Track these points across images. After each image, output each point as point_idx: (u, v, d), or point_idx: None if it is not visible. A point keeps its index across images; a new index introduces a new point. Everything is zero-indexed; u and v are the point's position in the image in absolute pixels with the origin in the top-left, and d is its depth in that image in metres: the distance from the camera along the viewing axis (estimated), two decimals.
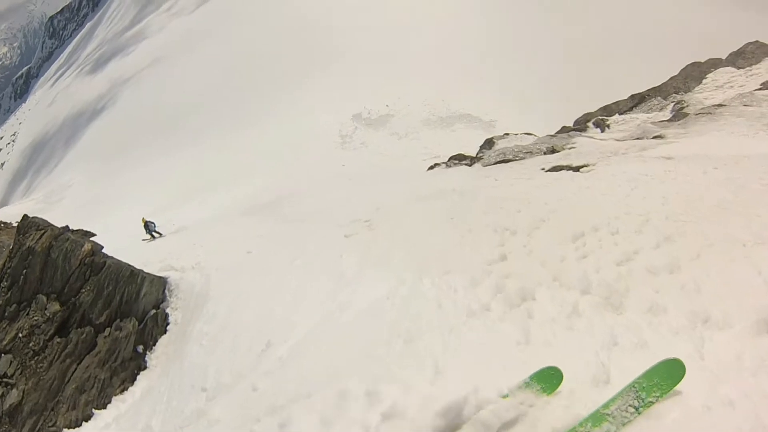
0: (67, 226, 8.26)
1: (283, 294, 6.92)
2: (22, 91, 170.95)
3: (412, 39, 49.07)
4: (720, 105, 13.41)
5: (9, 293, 6.99)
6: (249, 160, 31.66)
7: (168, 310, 7.97)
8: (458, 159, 16.29)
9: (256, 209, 16.03)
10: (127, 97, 64.33)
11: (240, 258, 9.19)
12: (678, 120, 14.22)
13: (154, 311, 7.77)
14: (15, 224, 39.17)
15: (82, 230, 25.85)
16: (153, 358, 7.32)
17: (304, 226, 10.76)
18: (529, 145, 12.55)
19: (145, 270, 8.68)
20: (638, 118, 15.61)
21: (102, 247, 7.83)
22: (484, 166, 12.29)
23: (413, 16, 53.22)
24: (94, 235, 24.22)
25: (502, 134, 16.83)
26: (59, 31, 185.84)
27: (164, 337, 7.58)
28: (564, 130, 17.08)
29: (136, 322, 7.33)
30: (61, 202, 46.83)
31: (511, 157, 11.74)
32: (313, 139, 33.83)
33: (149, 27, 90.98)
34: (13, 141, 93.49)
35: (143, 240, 17.04)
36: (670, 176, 8.21)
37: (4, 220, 40.66)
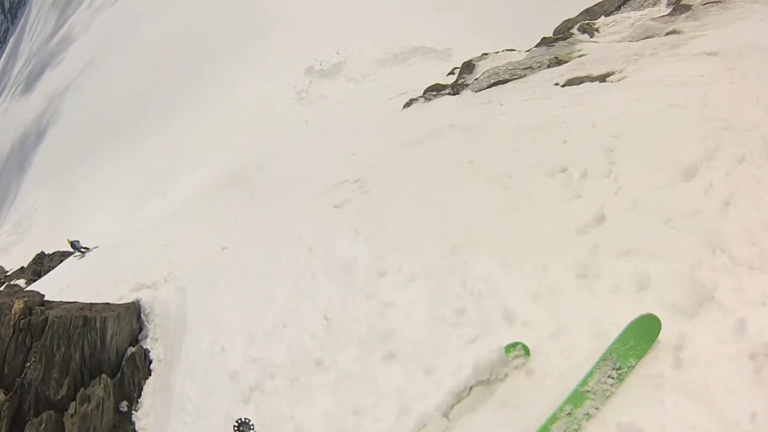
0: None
1: (272, 319, 5.05)
2: None
3: None
4: None
5: None
6: (206, 141, 29.58)
7: (147, 345, 6.38)
8: (436, 90, 14.04)
9: (223, 188, 13.67)
10: (68, 107, 59.32)
11: (215, 258, 7.33)
12: (681, 13, 12.41)
13: (131, 350, 6.16)
14: None
15: (17, 286, 23.20)
16: (141, 416, 5.64)
17: (281, 201, 8.53)
18: (524, 60, 10.48)
19: (115, 293, 7.33)
20: (630, 17, 13.71)
21: (42, 297, 6.20)
22: (476, 91, 10.20)
23: None
24: (33, 282, 21.86)
25: (479, 55, 14.56)
26: None
27: (149, 381, 5.97)
28: (546, 41, 14.98)
29: (108, 379, 5.63)
30: (31, 228, 43.45)
31: (507, 76, 9.69)
32: (268, 103, 31.77)
33: (74, 28, 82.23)
34: None
35: (74, 257, 16.52)
36: (736, 75, 6.43)
37: None
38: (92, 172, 40.70)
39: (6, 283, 24.60)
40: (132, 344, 6.35)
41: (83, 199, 37.33)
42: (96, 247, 17.54)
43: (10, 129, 73.42)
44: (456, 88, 12.65)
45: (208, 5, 51.75)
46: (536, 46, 14.66)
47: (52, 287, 11.81)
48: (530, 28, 30.22)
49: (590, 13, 15.60)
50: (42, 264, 23.58)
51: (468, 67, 13.82)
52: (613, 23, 13.98)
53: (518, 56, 12.42)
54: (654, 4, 14.02)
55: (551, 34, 15.73)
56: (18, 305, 5.57)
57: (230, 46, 43.15)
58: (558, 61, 9.26)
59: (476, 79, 11.18)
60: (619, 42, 10.62)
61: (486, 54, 14.25)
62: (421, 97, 13.89)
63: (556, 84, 8.33)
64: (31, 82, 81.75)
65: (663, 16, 12.61)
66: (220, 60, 41.94)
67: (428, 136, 8.23)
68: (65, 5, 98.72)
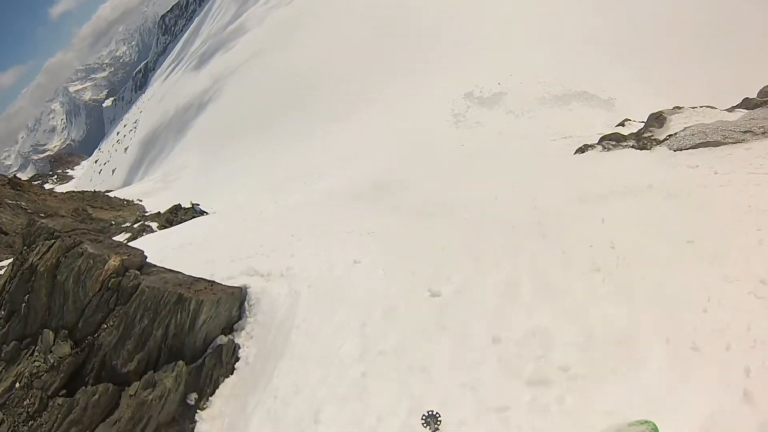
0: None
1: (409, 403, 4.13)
2: (141, 83, 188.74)
3: (515, 13, 45.45)
4: None
5: (7, 326, 5.01)
6: (355, 147, 30.57)
7: (240, 339, 5.60)
8: (615, 139, 12.92)
9: (363, 194, 13.16)
10: (230, 90, 67.42)
11: (343, 269, 6.55)
12: None
13: (221, 340, 5.40)
14: (137, 202, 42.55)
15: (191, 204, 25.78)
16: (206, 417, 4.83)
17: (434, 222, 7.92)
18: (741, 121, 9.04)
19: (227, 270, 6.82)
20: None
21: (143, 259, 5.60)
22: (675, 150, 9.05)
23: None
24: (199, 208, 24.44)
25: (671, 108, 13.13)
26: (171, 28, 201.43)
27: (229, 380, 5.25)
28: (746, 102, 13.00)
29: (183, 367, 4.93)
30: (176, 181, 50.01)
31: (718, 138, 8.43)
32: (424, 120, 31.24)
33: (249, 20, 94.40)
34: (135, 128, 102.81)
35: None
36: None
37: (127, 198, 44.14)
38: (240, 152, 44.19)
39: (141, 221, 27.56)
40: (225, 332, 5.60)
41: (227, 171, 40.73)
42: (214, 212, 17.37)
43: (177, 96, 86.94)
44: (642, 142, 11.50)
45: (378, 16, 55.30)
46: (738, 107, 12.79)
47: (176, 240, 12.76)
48: (704, 87, 26.93)
49: None
50: (176, 215, 25.95)
51: (658, 119, 12.52)
52: None
53: (727, 115, 10.87)
54: None
55: (755, 96, 13.63)
56: (113, 261, 5.11)
57: (394, 59, 45.23)
58: None
59: (673, 135, 9.99)
60: None
61: (679, 108, 12.79)
62: (597, 144, 12.92)
63: None
64: (203, 60, 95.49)
65: None
66: (383, 72, 43.99)
67: (619, 192, 7.50)
68: None
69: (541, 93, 33.42)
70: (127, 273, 5.16)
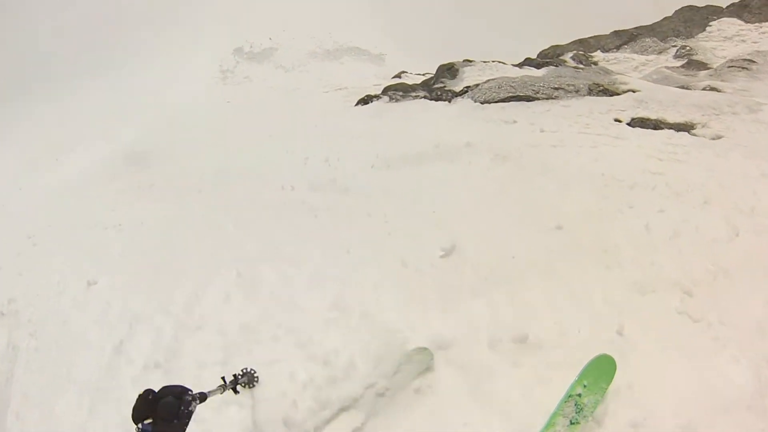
0: None
1: None
2: None
3: None
4: (749, 60, 10.30)
5: None
6: (112, 112, 24.90)
7: None
8: (402, 90, 11.04)
9: (116, 171, 9.77)
10: None
11: (74, 297, 4.28)
12: (699, 69, 10.83)
13: None
14: None
15: None
16: None
17: (220, 202, 5.36)
18: (548, 77, 7.91)
19: None
20: (634, 59, 11.98)
21: None
22: (482, 103, 7.34)
23: None
24: None
25: (461, 60, 11.85)
26: None
27: None
28: (529, 61, 12.79)
29: None
30: None
31: (529, 93, 7.06)
32: (189, 80, 28.08)
33: None
34: None
35: None
36: None
37: None
38: None
39: None
40: None
41: None
42: None
43: None
44: (435, 93, 9.77)
45: None
46: (523, 64, 12.36)
47: None
48: (472, 48, 29.65)
49: (584, 45, 13.69)
50: None
51: (450, 71, 11.02)
52: (615, 60, 12.16)
53: (521, 71, 9.88)
54: (659, 52, 12.42)
55: (536, 58, 13.68)
56: None
57: (157, 12, 39.20)
58: (604, 90, 6.74)
59: (473, 87, 8.35)
60: (653, 83, 8.48)
61: (470, 61, 11.57)
62: (382, 95, 10.78)
63: (617, 120, 5.76)
64: None
65: (677, 66, 10.99)
66: (145, 23, 37.61)
67: (431, 154, 5.18)
68: None
69: (313, 47, 33.63)
70: None
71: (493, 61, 11.54)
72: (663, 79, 9.97)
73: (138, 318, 3.47)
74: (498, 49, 21.32)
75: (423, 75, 20.94)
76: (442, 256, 3.26)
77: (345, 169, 5.14)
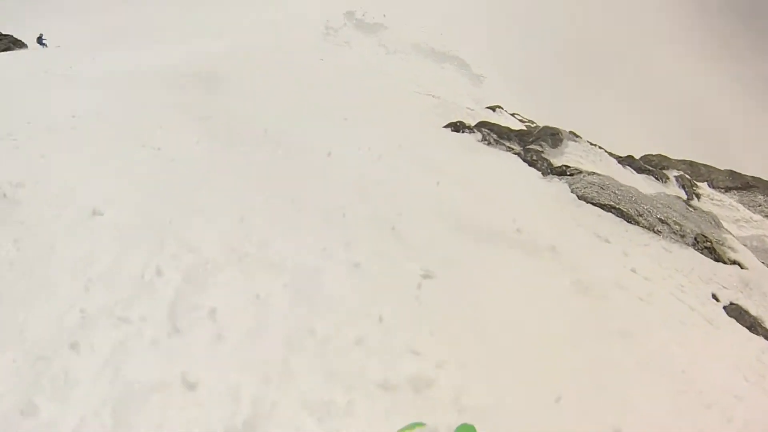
0: None
1: None
2: None
3: None
4: None
5: None
6: (210, 21, 25.51)
7: None
8: (498, 133, 10.51)
9: (187, 86, 9.25)
10: None
11: (88, 222, 3.65)
12: None
13: None
14: None
15: None
16: None
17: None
18: (657, 202, 7.24)
19: None
20: (738, 209, 11.03)
21: None
22: (578, 197, 6.83)
23: None
24: None
25: (566, 130, 11.17)
26: None
27: None
28: (631, 161, 12.01)
29: None
30: None
31: (632, 212, 6.48)
32: (293, 23, 28.56)
33: None
34: None
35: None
36: None
37: None
38: None
39: None
40: None
41: None
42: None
43: None
44: (531, 155, 9.22)
45: None
46: (624, 164, 11.59)
47: None
48: (572, 115, 29.06)
49: (693, 169, 12.83)
50: None
51: (553, 137, 10.38)
52: (719, 202, 11.29)
53: (626, 173, 9.22)
54: (766, 216, 11.49)
55: (639, 160, 12.87)
56: None
57: None
58: (710, 249, 6.04)
59: (573, 172, 7.79)
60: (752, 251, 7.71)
61: (577, 136, 10.87)
62: (475, 129, 10.23)
63: (715, 298, 5.12)
64: None
65: None
66: None
67: (511, 240, 4.69)
68: None
69: (420, 40, 33.06)
70: None
71: (600, 147, 10.88)
72: (762, 251, 9.14)
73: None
74: (598, 131, 20.50)
75: (517, 117, 20.22)
76: None
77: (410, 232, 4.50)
